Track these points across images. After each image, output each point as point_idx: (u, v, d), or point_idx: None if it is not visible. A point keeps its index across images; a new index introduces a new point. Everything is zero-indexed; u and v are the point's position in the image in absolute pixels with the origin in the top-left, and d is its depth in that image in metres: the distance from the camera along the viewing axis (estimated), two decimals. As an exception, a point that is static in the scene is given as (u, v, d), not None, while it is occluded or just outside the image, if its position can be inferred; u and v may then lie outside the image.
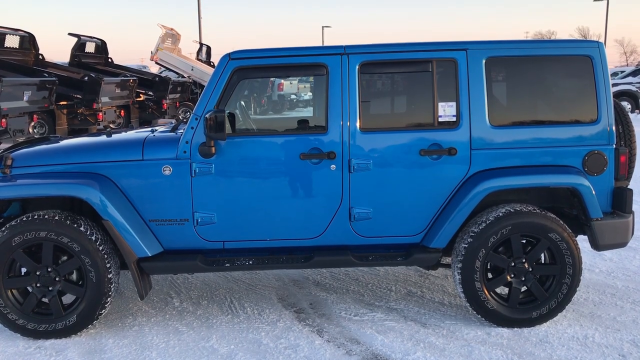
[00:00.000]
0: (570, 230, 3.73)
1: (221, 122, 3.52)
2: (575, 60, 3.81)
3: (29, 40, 13.18)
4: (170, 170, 3.73)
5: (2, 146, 8.89)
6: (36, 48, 13.41)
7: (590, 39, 4.11)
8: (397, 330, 3.82)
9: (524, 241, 3.80)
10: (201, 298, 4.44)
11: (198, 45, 21.27)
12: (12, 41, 12.61)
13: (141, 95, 15.90)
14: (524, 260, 3.74)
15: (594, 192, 3.70)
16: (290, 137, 3.81)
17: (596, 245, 3.84)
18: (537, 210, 3.72)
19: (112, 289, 3.72)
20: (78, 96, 12.64)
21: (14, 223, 3.62)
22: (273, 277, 4.87)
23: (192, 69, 18.16)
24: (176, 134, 3.91)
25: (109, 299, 3.72)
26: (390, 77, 4.19)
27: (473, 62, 3.75)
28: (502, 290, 3.94)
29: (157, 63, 18.52)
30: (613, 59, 70.60)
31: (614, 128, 3.79)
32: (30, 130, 11.21)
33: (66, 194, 3.63)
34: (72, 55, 14.76)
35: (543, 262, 3.85)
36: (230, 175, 3.74)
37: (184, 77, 18.49)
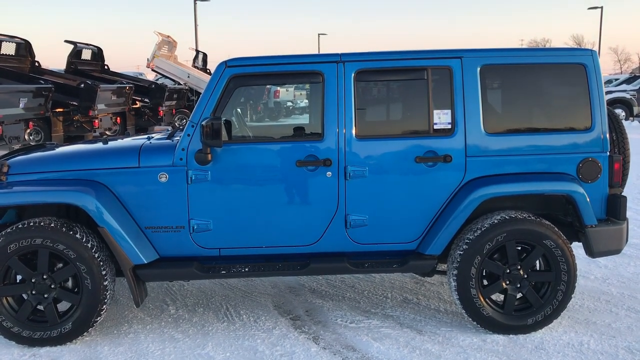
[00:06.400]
0: (565, 237, 3.75)
1: (217, 129, 3.53)
2: (569, 68, 3.84)
3: (25, 47, 13.16)
4: (166, 177, 3.73)
5: (-2, 153, 8.86)
6: (32, 55, 13.40)
7: (584, 47, 4.15)
8: (393, 337, 3.82)
9: (519, 248, 3.82)
10: (197, 305, 4.44)
11: (194, 53, 21.30)
12: (8, 48, 12.59)
13: (137, 102, 15.89)
14: (519, 267, 3.75)
15: (588, 199, 3.72)
16: (286, 144, 3.83)
17: (591, 252, 3.86)
18: (532, 217, 3.74)
19: (108, 296, 3.72)
20: (74, 103, 12.63)
21: (9, 230, 3.62)
22: (269, 284, 4.86)
23: (188, 76, 18.19)
24: (172, 141, 3.91)
25: (104, 306, 3.71)
26: (386, 84, 4.22)
27: (468, 69, 3.78)
28: (498, 297, 3.95)
29: (153, 70, 18.54)
30: (607, 66, 71.02)
31: (607, 135, 3.82)
32: (26, 137, 11.19)
33: (62, 201, 3.62)
34: (68, 62, 14.75)
35: (538, 269, 3.86)
36: (226, 182, 3.75)
37: (180, 84, 18.51)
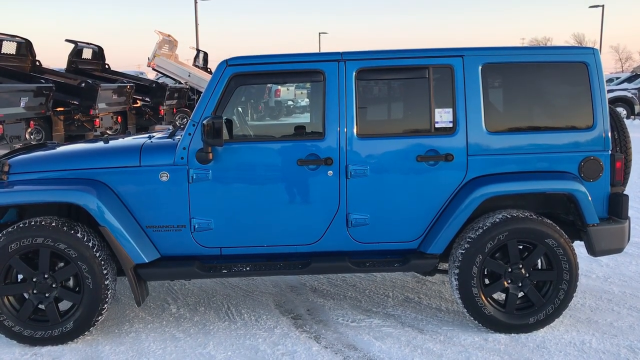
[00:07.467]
0: (566, 236, 3.75)
1: (218, 128, 3.53)
2: (570, 66, 3.83)
3: (25, 47, 13.16)
4: (167, 176, 3.73)
5: (-1, 152, 8.86)
6: (33, 54, 13.39)
7: (585, 46, 4.14)
8: (395, 336, 3.82)
9: (521, 247, 3.81)
10: (198, 304, 4.44)
11: (195, 52, 21.30)
12: (9, 47, 12.59)
13: (138, 101, 15.89)
14: (520, 266, 3.75)
15: (590, 198, 3.72)
16: (287, 143, 3.82)
17: (592, 251, 3.86)
18: (534, 216, 3.73)
19: (109, 296, 3.72)
20: (75, 102, 12.63)
21: (10, 229, 3.62)
22: (270, 284, 4.86)
23: (189, 75, 18.18)
24: (173, 140, 3.91)
25: (105, 305, 3.71)
26: (387, 83, 4.21)
27: (469, 68, 3.77)
28: (499, 296, 3.95)
29: (154, 69, 18.52)
30: (608, 65, 70.90)
31: (609, 134, 3.81)
32: (27, 136, 11.19)
33: (63, 200, 3.62)
34: (69, 62, 14.74)
35: (540, 267, 3.86)
36: (227, 181, 3.75)
37: (181, 84, 18.50)
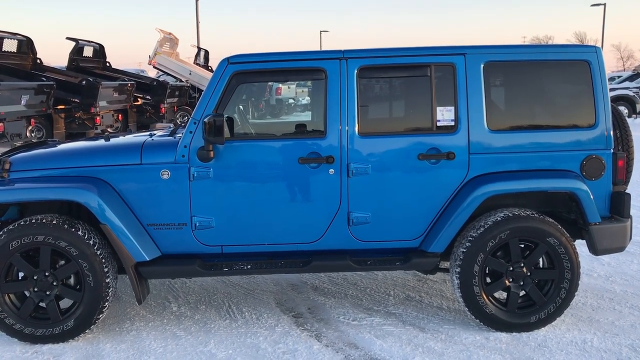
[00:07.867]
0: (568, 235, 3.74)
1: (220, 126, 3.52)
2: (572, 65, 3.82)
3: (26, 44, 13.15)
4: (168, 174, 3.72)
5: (0, 150, 8.87)
6: (34, 52, 13.39)
7: (587, 44, 4.12)
8: (396, 335, 3.81)
9: (522, 246, 3.80)
10: (199, 303, 4.43)
11: (196, 50, 21.28)
12: (9, 45, 12.58)
13: (139, 99, 15.89)
14: (522, 265, 3.74)
15: (592, 197, 3.71)
16: (288, 142, 3.82)
17: (594, 250, 3.85)
18: (535, 215, 3.73)
19: (110, 294, 3.71)
20: (76, 100, 12.63)
21: (11, 227, 3.61)
22: (271, 282, 4.86)
23: (190, 73, 18.17)
24: (174, 138, 3.90)
25: (106, 303, 3.71)
26: (389, 81, 4.20)
27: (471, 66, 3.76)
28: (501, 294, 3.94)
29: (155, 67, 18.52)
30: (610, 64, 70.74)
31: (611, 132, 3.80)
32: (28, 134, 11.19)
33: (64, 198, 3.62)
34: (70, 60, 14.74)
35: (541, 266, 3.85)
36: (228, 180, 3.74)
37: (182, 82, 18.49)
